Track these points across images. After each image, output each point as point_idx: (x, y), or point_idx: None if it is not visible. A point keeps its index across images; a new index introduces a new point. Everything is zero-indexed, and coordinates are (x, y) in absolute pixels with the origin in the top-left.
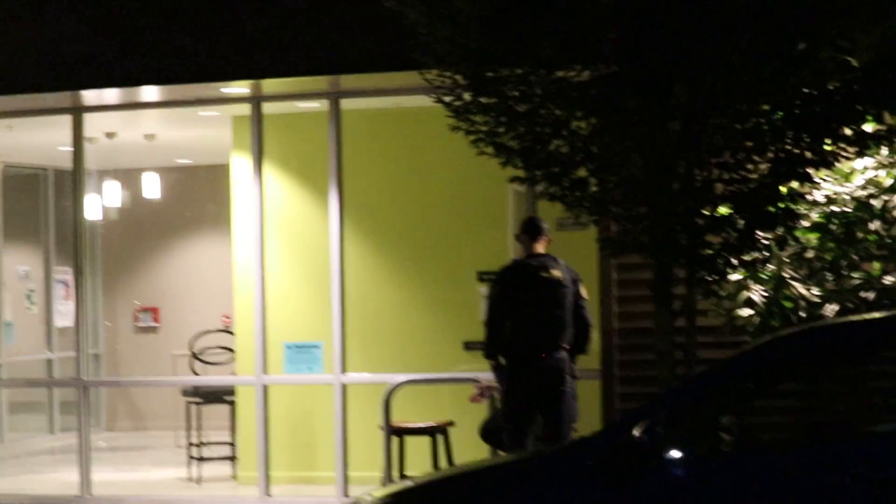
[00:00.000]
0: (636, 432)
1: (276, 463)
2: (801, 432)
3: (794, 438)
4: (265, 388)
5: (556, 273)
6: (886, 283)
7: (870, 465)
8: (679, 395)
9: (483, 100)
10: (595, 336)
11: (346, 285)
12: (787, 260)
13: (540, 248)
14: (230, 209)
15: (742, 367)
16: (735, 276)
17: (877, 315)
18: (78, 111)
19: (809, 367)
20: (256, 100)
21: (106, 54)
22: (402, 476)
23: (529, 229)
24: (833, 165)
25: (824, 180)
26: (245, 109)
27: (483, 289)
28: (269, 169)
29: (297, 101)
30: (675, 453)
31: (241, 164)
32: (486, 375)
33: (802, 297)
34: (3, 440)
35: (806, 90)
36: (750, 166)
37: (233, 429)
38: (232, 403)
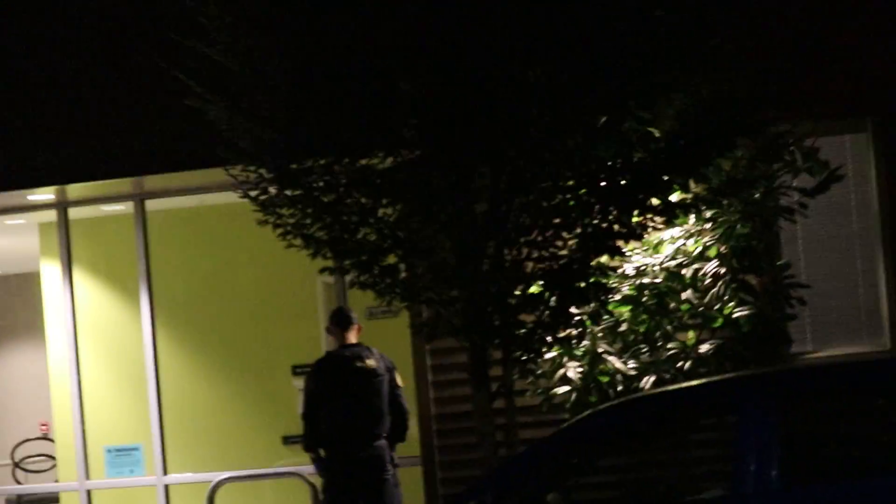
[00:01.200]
0: None
1: None
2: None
3: None
4: (89, 494)
5: (371, 362)
6: (701, 351)
7: None
8: (505, 474)
9: (289, 192)
10: (413, 423)
11: (162, 385)
12: (601, 335)
13: (352, 337)
14: (43, 316)
15: (563, 443)
16: (550, 354)
17: (692, 383)
18: None
19: (629, 440)
20: (62, 205)
21: None
22: None
23: (339, 320)
24: (642, 237)
25: (634, 252)
26: (51, 216)
27: (298, 382)
28: (78, 274)
29: (102, 205)
30: None
31: (50, 271)
32: (307, 468)
33: (618, 370)
34: None
35: (610, 162)
36: (559, 243)
37: None
38: None
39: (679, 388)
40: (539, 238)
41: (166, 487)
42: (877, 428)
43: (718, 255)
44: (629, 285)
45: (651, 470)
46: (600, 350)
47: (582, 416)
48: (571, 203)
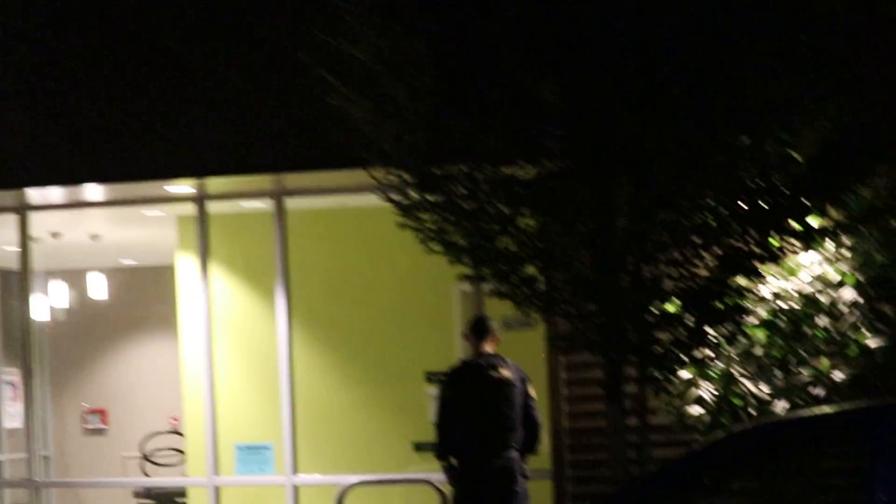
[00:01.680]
0: None
1: None
2: None
3: None
4: (217, 490)
5: (505, 373)
6: (836, 379)
7: None
8: (635, 491)
9: (430, 197)
10: (545, 436)
11: (295, 385)
12: (736, 357)
13: (488, 347)
14: (177, 309)
15: (695, 464)
16: (685, 374)
17: (827, 409)
18: (23, 210)
19: (763, 464)
20: (201, 199)
21: (51, 152)
22: None
23: (477, 329)
24: (780, 260)
25: (771, 275)
26: (190, 209)
27: (431, 389)
28: (215, 269)
29: (241, 201)
30: None
31: (186, 264)
32: (438, 476)
33: (752, 394)
34: None
35: (751, 184)
36: (697, 262)
37: None
38: None
39: (815, 413)
40: (678, 256)
41: (295, 487)
42: None
43: (856, 284)
44: (766, 309)
45: (783, 496)
46: (734, 372)
47: (716, 438)
48: (711, 223)
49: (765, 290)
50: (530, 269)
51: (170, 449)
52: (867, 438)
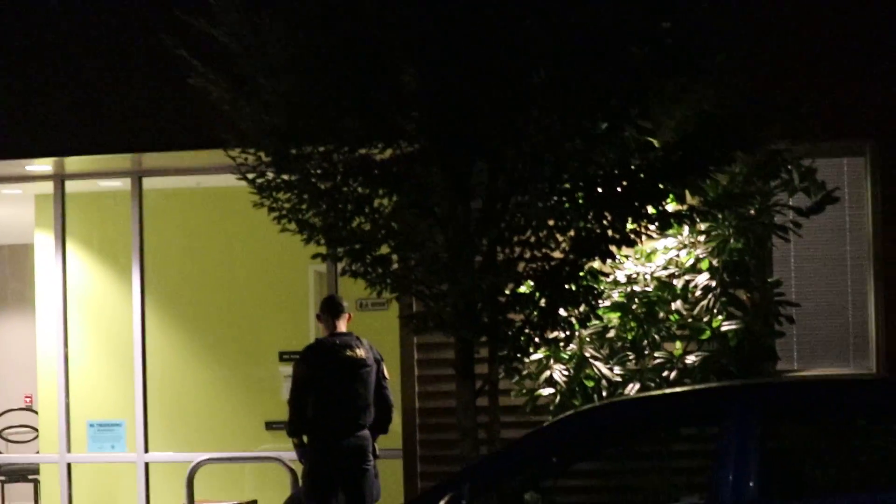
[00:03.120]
0: None
1: None
2: None
3: None
4: (69, 467)
5: (360, 352)
6: (688, 362)
7: None
8: (483, 469)
9: (286, 177)
10: (397, 416)
11: (148, 363)
12: (589, 339)
13: (342, 326)
14: (33, 288)
15: (543, 443)
16: (537, 356)
17: (676, 390)
18: None
19: (610, 443)
20: (60, 178)
21: None
22: None
23: (330, 308)
24: (635, 244)
25: (626, 258)
26: (48, 188)
27: (285, 368)
28: (72, 248)
29: (99, 180)
30: None
31: (44, 243)
32: (289, 454)
33: (604, 376)
34: None
35: (607, 169)
36: (552, 244)
37: None
38: (36, 482)
39: (662, 394)
40: (532, 238)
41: (146, 465)
42: (858, 446)
43: (710, 269)
44: (620, 292)
45: (629, 476)
46: (587, 354)
47: (563, 417)
48: (567, 206)
49: (619, 274)
50: (384, 249)
51: (23, 426)
52: (716, 419)
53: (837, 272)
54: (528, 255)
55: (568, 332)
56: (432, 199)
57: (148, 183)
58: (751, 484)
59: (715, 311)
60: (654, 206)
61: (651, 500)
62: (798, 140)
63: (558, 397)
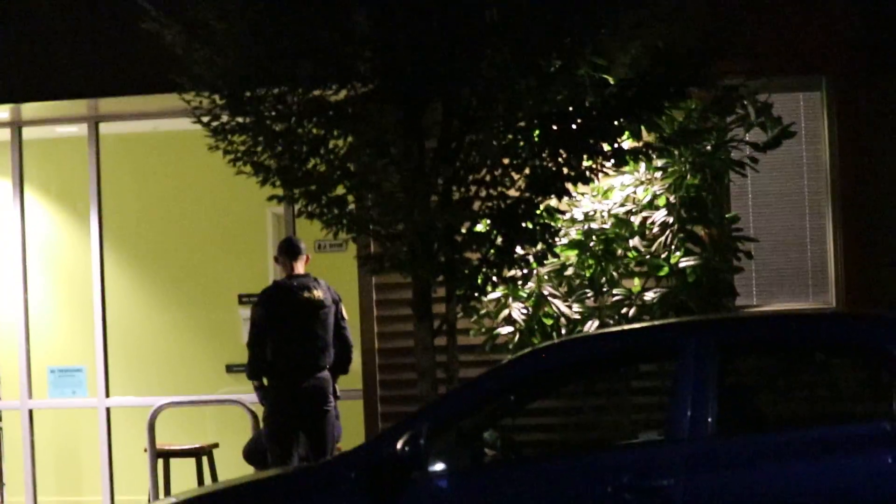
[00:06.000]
0: (399, 445)
1: (44, 488)
2: (563, 445)
3: (556, 450)
4: (31, 413)
5: (318, 294)
6: (646, 299)
7: (631, 473)
8: (441, 407)
9: (241, 120)
10: (356, 356)
11: (108, 309)
12: (547, 277)
13: (300, 267)
14: None
15: (501, 381)
16: (495, 294)
17: (633, 326)
18: None
19: (567, 380)
20: (17, 125)
21: None
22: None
23: (288, 249)
24: (591, 181)
25: (583, 195)
26: (5, 134)
27: (244, 311)
28: (29, 194)
29: (56, 126)
30: (438, 466)
31: (2, 190)
32: (249, 396)
33: (563, 314)
34: None
35: (562, 106)
36: (507, 182)
37: None
38: None
39: (619, 330)
40: (488, 177)
41: (108, 410)
42: (815, 380)
43: (667, 205)
44: (577, 230)
45: (588, 413)
46: (545, 292)
47: (520, 355)
48: (522, 144)
49: (576, 212)
50: (340, 190)
51: None
52: (673, 355)
53: (795, 207)
54: (483, 193)
55: (525, 271)
56: (387, 139)
57: (105, 128)
58: (708, 419)
59: (673, 247)
60: (610, 143)
61: (610, 436)
62: (753, 75)
63: (517, 336)
